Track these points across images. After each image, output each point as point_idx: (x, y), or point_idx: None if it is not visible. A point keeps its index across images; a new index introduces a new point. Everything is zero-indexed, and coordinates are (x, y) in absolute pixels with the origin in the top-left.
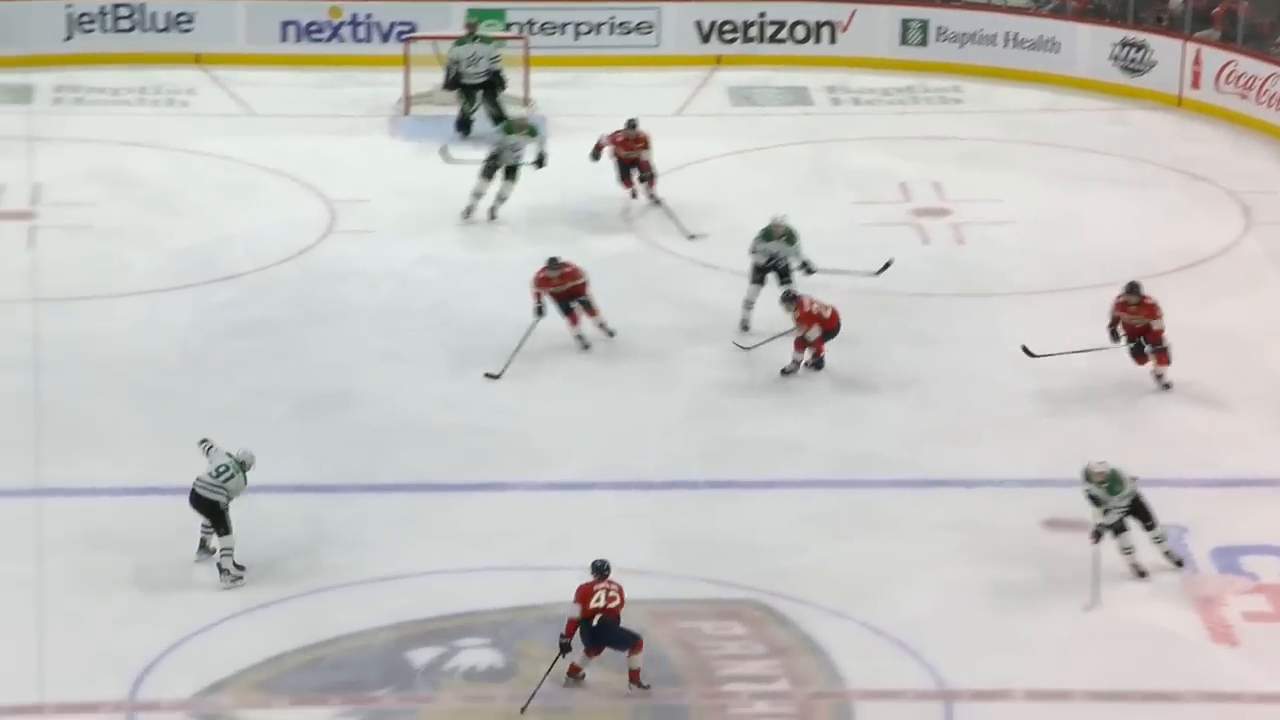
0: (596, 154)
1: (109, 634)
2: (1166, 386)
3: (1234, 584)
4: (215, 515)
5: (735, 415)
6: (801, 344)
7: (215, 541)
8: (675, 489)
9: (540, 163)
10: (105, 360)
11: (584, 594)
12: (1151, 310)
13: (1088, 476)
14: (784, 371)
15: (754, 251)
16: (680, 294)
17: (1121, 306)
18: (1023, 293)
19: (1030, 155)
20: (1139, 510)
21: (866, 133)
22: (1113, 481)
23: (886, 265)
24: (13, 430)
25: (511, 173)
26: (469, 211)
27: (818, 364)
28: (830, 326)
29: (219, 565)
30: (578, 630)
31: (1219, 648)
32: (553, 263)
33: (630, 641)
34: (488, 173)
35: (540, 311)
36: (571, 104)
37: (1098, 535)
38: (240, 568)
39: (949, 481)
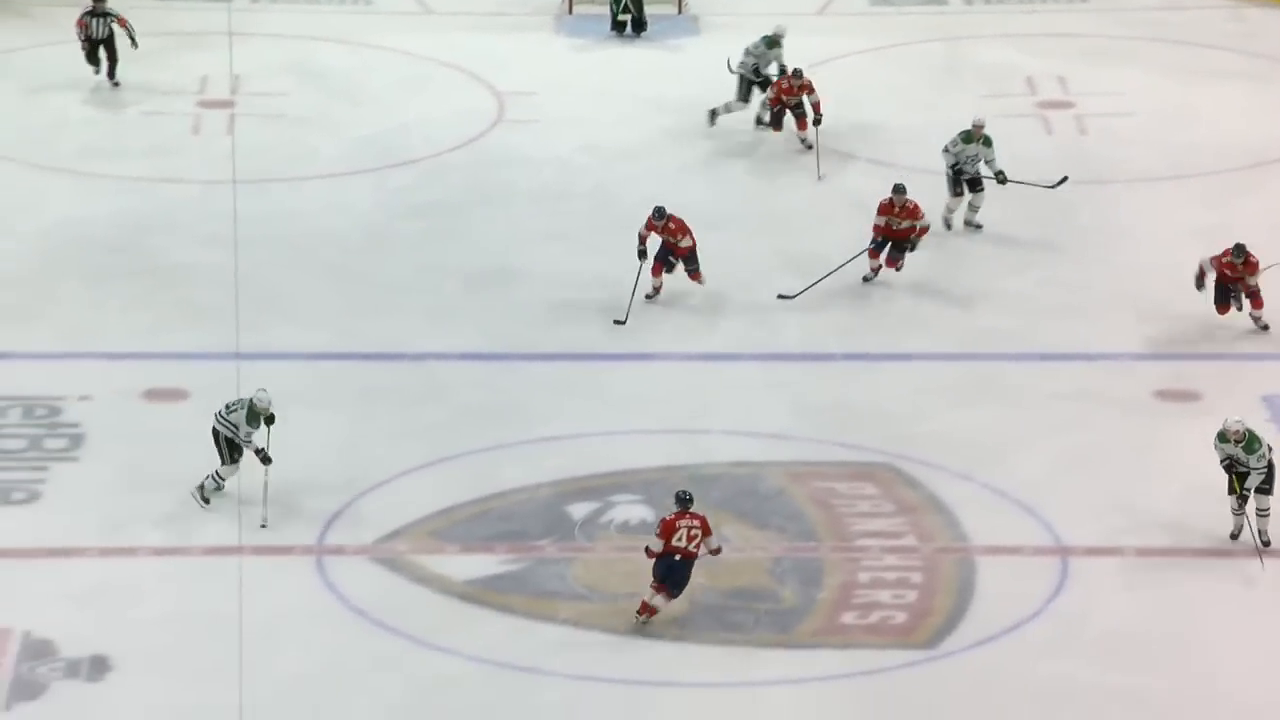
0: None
1: (301, 485)
2: (1265, 328)
3: None
4: (219, 444)
5: (867, 294)
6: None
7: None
8: (813, 361)
9: (783, 71)
10: (294, 237)
11: (668, 529)
12: (1254, 268)
13: (1222, 437)
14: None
15: (947, 152)
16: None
17: (1228, 267)
18: (1141, 180)
19: (1150, 51)
20: (1269, 475)
21: (997, 30)
22: (1250, 439)
23: (1062, 180)
24: (214, 300)
25: (751, 89)
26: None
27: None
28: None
29: (203, 482)
30: (660, 566)
31: None
32: (659, 212)
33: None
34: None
35: (643, 255)
36: (720, 4)
37: (1243, 499)
38: (207, 501)
39: (1067, 355)
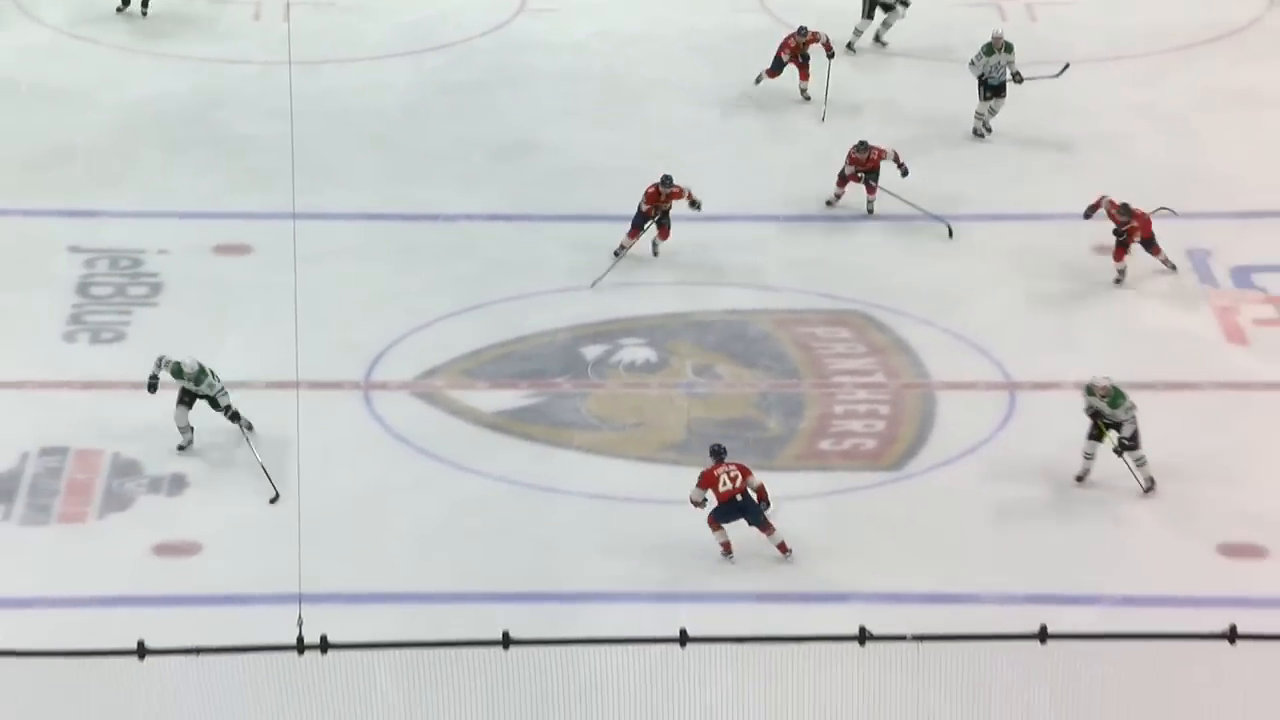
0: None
1: (350, 328)
2: (1173, 268)
3: (1246, 295)
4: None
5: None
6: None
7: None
8: (797, 221)
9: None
10: (343, 112)
11: (709, 480)
12: (1143, 227)
13: (1090, 391)
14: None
15: (973, 65)
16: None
17: (1115, 219)
18: (1085, 61)
19: None
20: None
21: None
22: (1115, 395)
23: (1065, 68)
24: (274, 166)
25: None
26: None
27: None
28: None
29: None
30: (717, 514)
31: (1233, 346)
32: (666, 180)
33: (766, 527)
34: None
35: (644, 224)
36: None
37: (1118, 451)
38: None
39: (1017, 215)
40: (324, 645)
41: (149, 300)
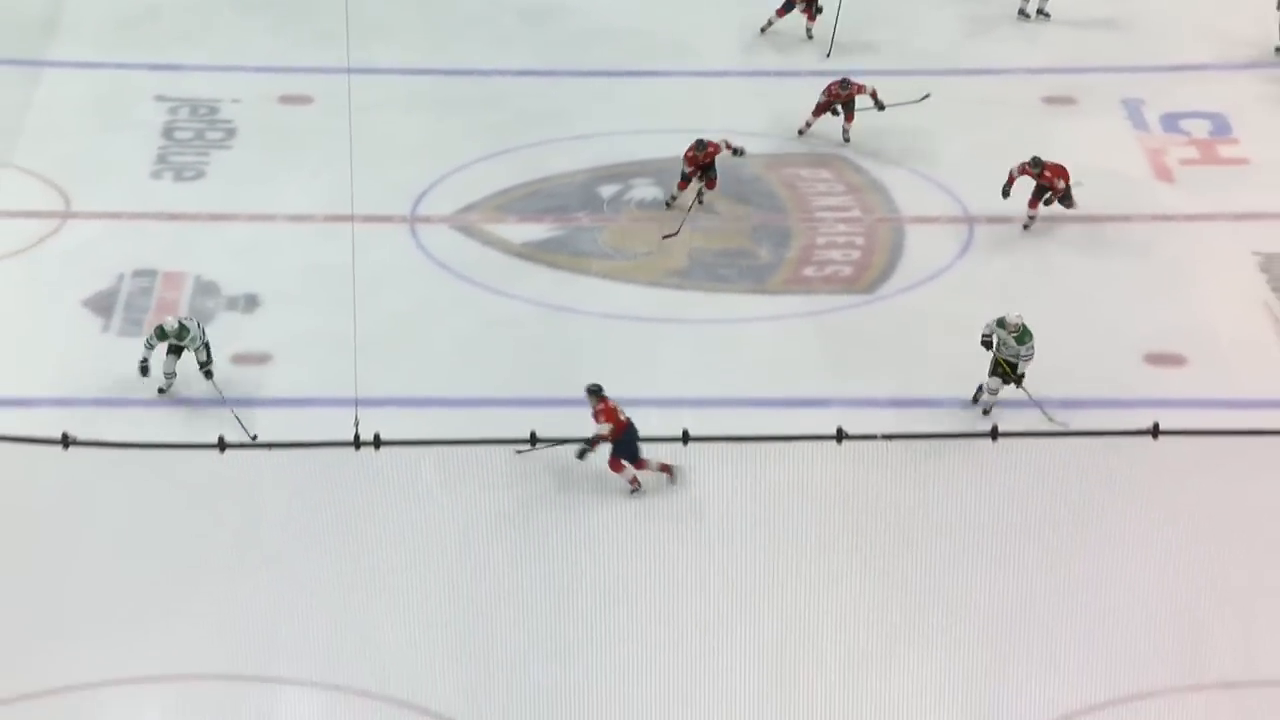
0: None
1: (397, 169)
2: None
3: (1173, 139)
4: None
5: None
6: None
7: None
8: (787, 77)
9: None
10: None
11: (608, 414)
12: (1055, 176)
13: (1002, 324)
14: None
15: None
16: None
17: (1028, 173)
18: None
19: None
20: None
21: None
22: (1023, 332)
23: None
24: (332, 27)
25: None
26: None
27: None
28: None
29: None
30: (617, 452)
31: (1160, 183)
32: (699, 144)
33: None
34: None
35: (686, 181)
36: None
37: (1019, 381)
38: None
39: (977, 70)
40: (377, 442)
41: (224, 144)
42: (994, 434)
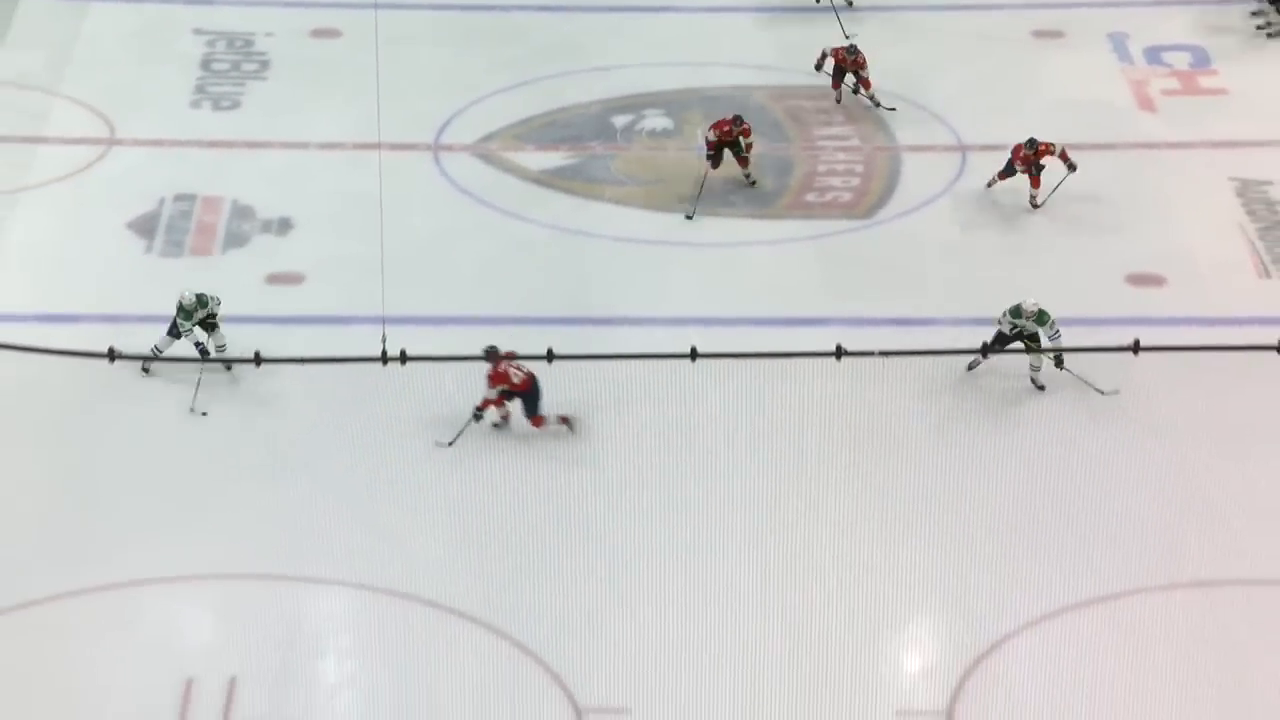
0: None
1: (422, 100)
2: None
3: (1156, 71)
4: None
5: None
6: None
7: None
8: (792, 11)
9: None
10: None
11: (499, 378)
12: (1049, 149)
13: (1017, 313)
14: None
15: None
16: None
17: (1024, 159)
18: None
19: None
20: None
21: None
22: (1041, 314)
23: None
24: None
25: None
26: None
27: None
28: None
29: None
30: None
31: (1143, 113)
32: (738, 120)
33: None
34: None
35: (712, 159)
36: None
37: (1059, 362)
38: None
39: (969, 6)
40: (403, 357)
41: (259, 75)
42: (983, 351)
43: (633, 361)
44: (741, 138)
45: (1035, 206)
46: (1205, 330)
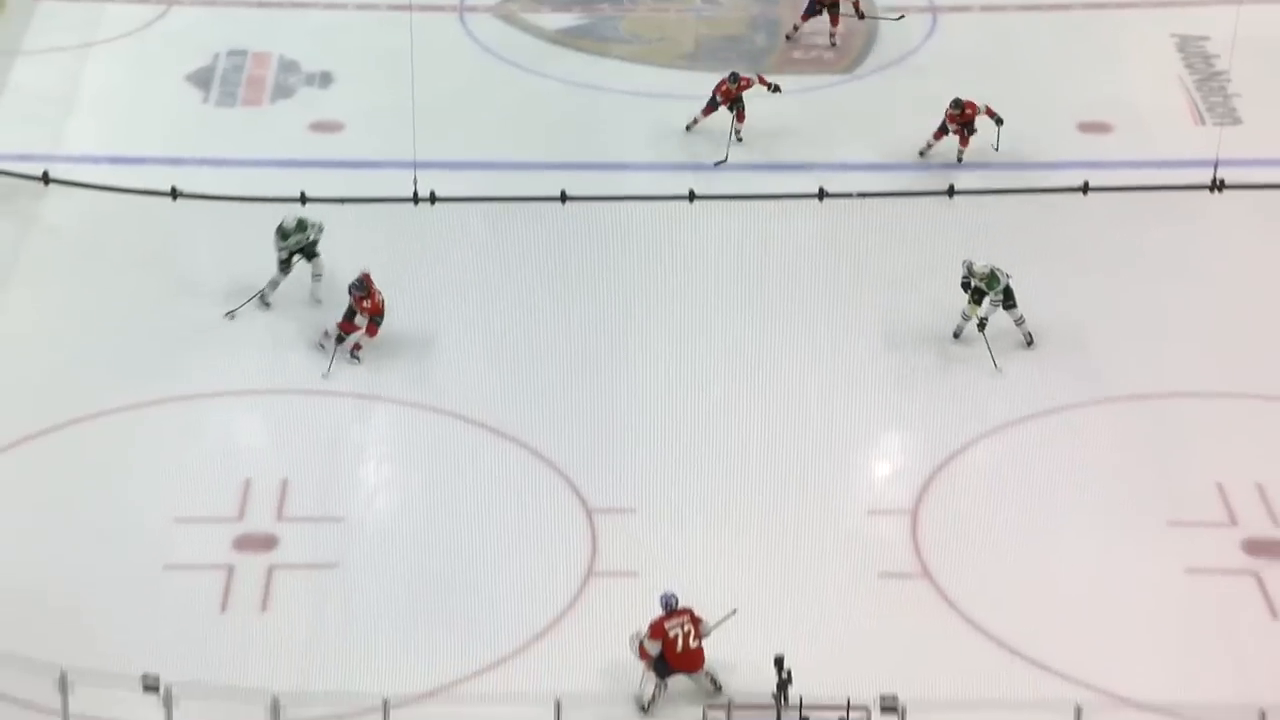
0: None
1: None
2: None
3: None
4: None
5: None
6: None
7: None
8: None
9: None
10: None
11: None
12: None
13: (970, 271)
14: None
15: None
16: None
17: (953, 118)
18: None
19: None
20: (1009, 295)
21: None
22: (990, 278)
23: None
24: None
25: None
26: None
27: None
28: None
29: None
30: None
31: None
32: (733, 76)
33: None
34: None
35: (713, 108)
36: None
37: (981, 325)
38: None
39: None
40: (433, 198)
41: None
42: (950, 191)
43: (637, 202)
44: (742, 94)
45: (960, 161)
46: (1147, 172)
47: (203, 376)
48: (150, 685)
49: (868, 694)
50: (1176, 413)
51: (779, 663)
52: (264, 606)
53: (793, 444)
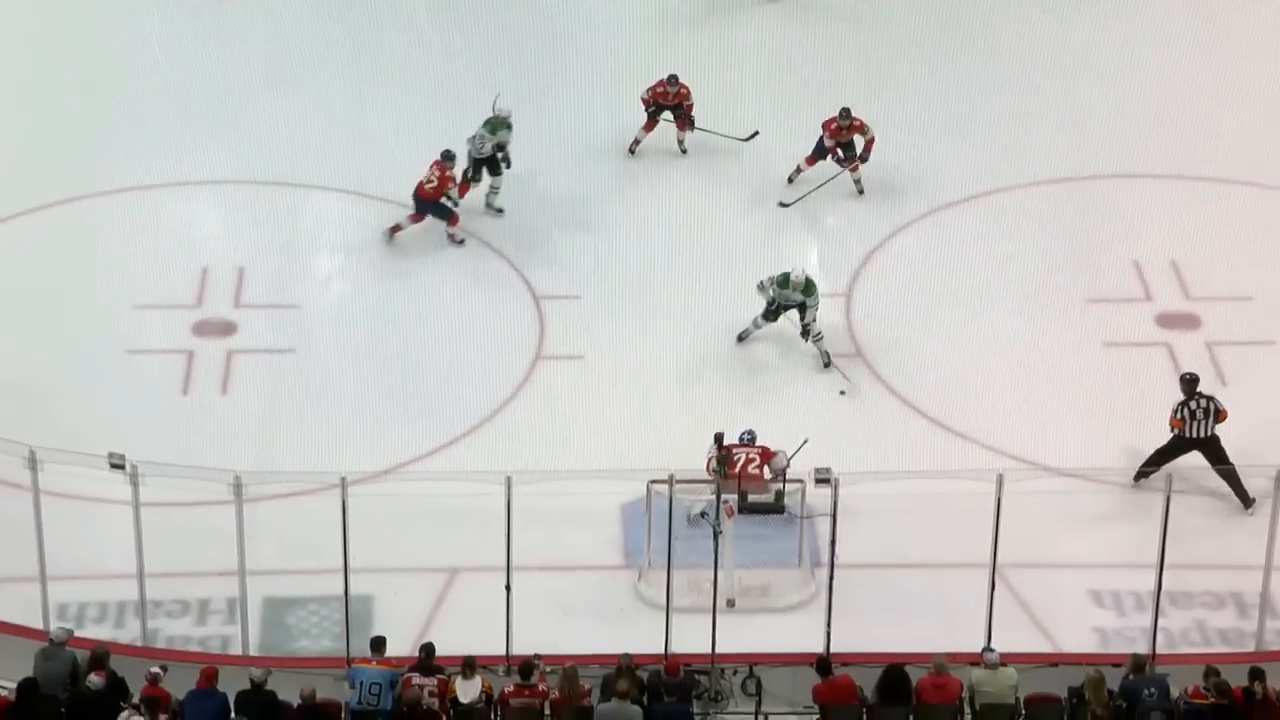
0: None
1: None
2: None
3: None
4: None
5: None
6: None
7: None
8: None
9: None
10: None
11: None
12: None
13: (784, 283)
14: None
15: None
16: None
17: (835, 131)
18: None
19: None
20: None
21: None
22: (807, 285)
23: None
24: None
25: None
26: None
27: None
28: None
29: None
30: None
31: None
32: (673, 79)
33: None
34: None
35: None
36: None
37: (805, 333)
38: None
39: None
40: None
41: None
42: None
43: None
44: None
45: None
46: None
47: (159, 167)
48: (116, 464)
49: (803, 468)
50: (1097, 194)
51: (718, 439)
52: (224, 389)
53: (731, 232)
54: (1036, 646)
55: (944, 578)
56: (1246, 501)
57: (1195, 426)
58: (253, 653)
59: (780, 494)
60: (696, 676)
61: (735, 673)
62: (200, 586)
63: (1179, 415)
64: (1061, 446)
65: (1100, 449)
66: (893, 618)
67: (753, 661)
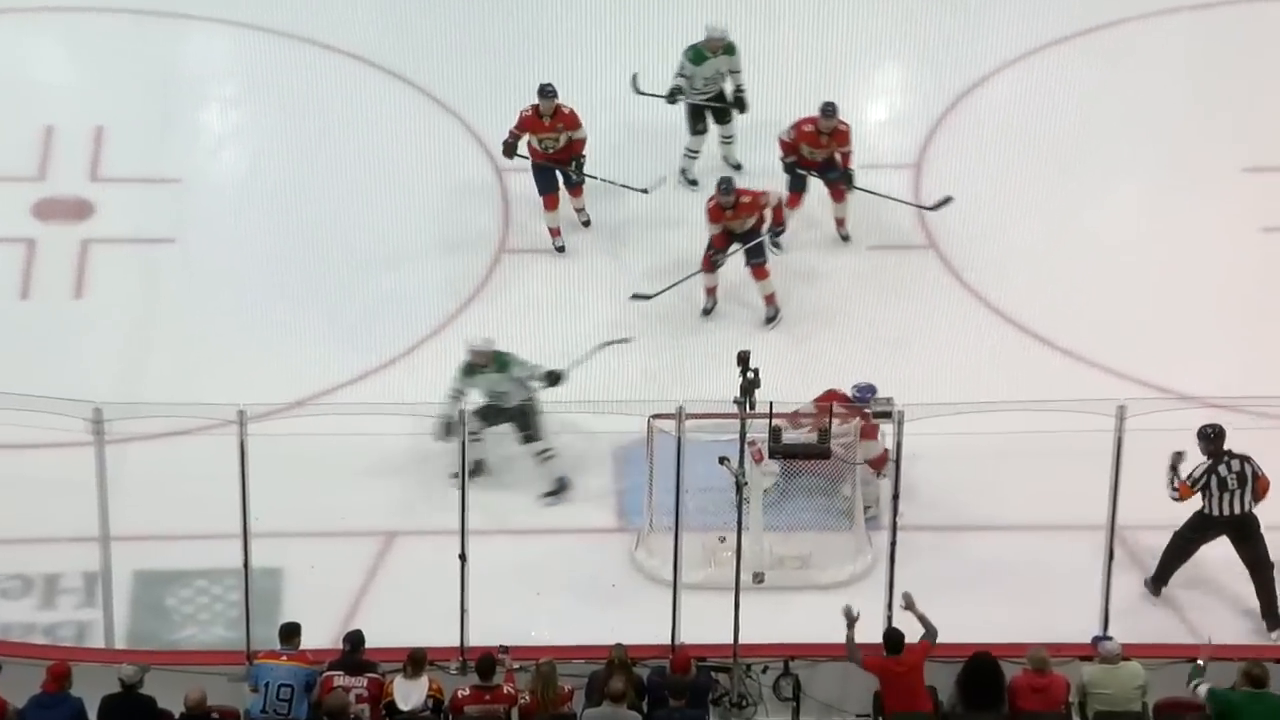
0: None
1: None
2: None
3: None
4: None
5: None
6: None
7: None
8: None
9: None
10: None
11: None
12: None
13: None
14: None
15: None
16: None
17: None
18: None
19: None
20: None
21: None
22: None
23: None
24: None
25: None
26: None
27: None
28: None
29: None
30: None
31: None
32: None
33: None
34: None
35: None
36: None
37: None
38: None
39: None
40: None
41: None
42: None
43: None
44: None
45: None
46: None
47: None
48: None
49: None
50: (1263, 23)
51: (743, 360)
52: (78, 292)
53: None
54: (1170, 636)
55: (1043, 543)
56: (1274, 622)
57: (1222, 500)
58: (120, 645)
59: (826, 432)
60: (713, 675)
61: (765, 670)
62: (47, 557)
63: (1196, 484)
64: (1203, 368)
65: (1257, 371)
66: (974, 597)
67: (788, 655)
